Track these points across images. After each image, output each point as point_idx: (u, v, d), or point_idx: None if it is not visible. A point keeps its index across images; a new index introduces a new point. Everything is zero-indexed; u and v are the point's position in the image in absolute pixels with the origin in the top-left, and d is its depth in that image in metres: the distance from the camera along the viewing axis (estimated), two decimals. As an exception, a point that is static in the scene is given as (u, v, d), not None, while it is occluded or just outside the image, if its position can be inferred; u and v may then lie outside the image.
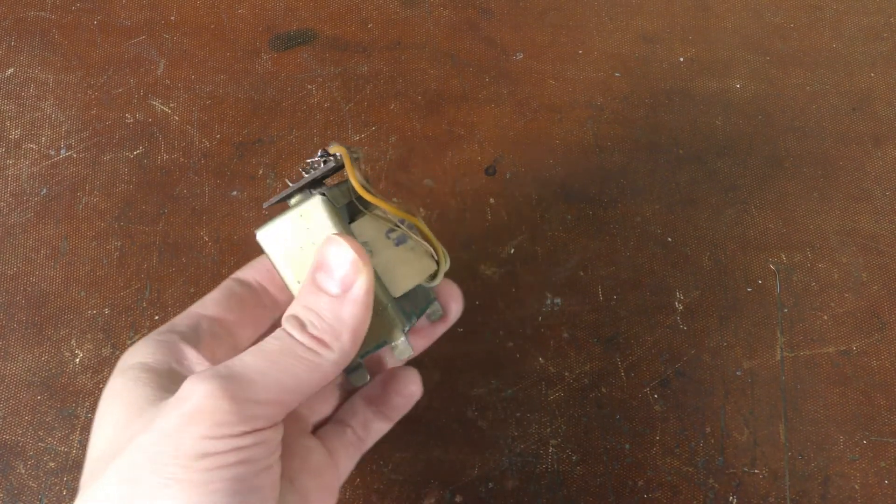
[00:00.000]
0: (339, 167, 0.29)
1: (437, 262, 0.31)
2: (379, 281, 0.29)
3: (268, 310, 0.34)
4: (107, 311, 0.42)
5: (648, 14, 0.52)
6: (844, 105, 0.50)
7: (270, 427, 0.25)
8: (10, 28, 0.48)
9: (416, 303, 0.33)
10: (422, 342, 0.36)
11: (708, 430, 0.41)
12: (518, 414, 0.41)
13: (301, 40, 0.50)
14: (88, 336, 0.42)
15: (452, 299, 0.36)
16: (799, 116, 0.49)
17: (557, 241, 0.45)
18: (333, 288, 0.26)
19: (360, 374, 0.31)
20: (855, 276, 0.45)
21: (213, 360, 0.29)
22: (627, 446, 0.41)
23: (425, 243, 0.31)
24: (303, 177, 0.29)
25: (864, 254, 0.46)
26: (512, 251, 0.45)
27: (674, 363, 0.43)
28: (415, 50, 0.50)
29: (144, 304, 0.42)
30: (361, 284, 0.26)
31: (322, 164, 0.29)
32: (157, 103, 0.47)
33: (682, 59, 0.50)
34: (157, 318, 0.42)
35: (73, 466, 0.39)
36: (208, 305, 0.32)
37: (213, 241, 0.44)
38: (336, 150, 0.29)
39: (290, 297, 0.30)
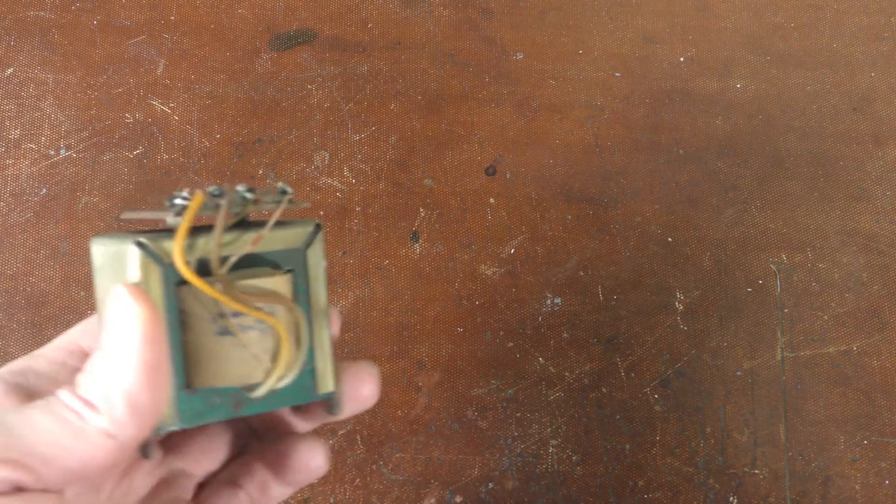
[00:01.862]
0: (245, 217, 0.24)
1: (268, 376, 0.24)
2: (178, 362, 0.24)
3: None
4: (106, 311, 0.42)
5: (649, 14, 0.52)
6: (845, 105, 0.49)
7: None
8: (10, 28, 0.48)
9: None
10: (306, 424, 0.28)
11: (708, 430, 0.41)
12: (518, 414, 0.41)
13: (301, 40, 0.50)
14: (88, 336, 0.42)
15: (361, 382, 0.26)
16: (799, 116, 0.49)
17: (557, 241, 0.45)
18: (106, 342, 0.22)
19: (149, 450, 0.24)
20: (855, 276, 0.45)
21: None
22: (628, 446, 0.41)
23: (259, 349, 0.24)
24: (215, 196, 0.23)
25: (865, 254, 0.45)
26: (512, 251, 0.45)
27: (674, 363, 0.43)
28: (415, 50, 0.50)
29: (144, 304, 0.42)
30: (134, 338, 0.21)
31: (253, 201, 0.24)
32: (156, 103, 0.47)
33: (682, 59, 0.50)
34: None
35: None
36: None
37: (213, 241, 0.44)
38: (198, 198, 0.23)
39: None
